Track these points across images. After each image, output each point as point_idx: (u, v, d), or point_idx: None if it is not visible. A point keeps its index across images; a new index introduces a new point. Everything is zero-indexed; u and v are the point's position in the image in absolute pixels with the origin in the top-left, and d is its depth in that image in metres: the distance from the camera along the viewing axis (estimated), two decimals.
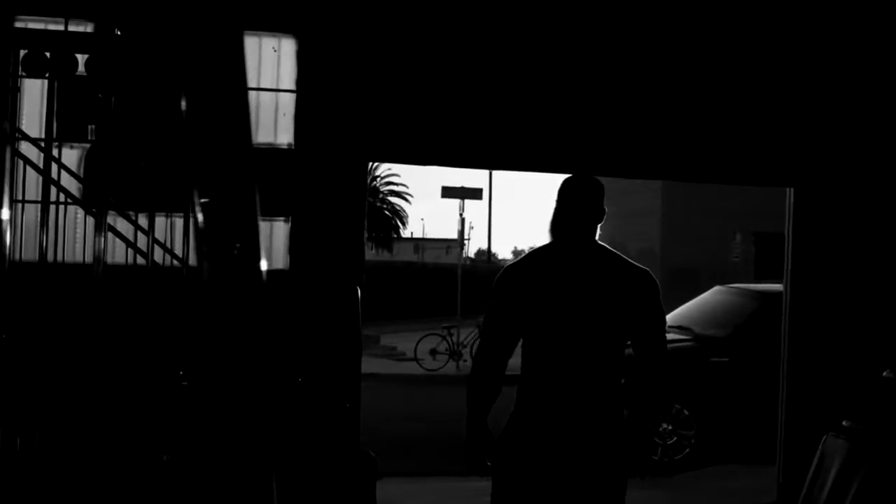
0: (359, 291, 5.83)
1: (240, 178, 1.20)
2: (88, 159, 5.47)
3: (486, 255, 49.11)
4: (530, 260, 3.68)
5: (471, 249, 56.32)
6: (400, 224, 42.18)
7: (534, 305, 3.52)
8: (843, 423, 4.61)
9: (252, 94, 6.21)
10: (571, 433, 3.45)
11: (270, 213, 6.12)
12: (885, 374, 4.48)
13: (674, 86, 6.58)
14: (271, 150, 6.19)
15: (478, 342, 18.54)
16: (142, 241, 5.36)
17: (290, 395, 4.09)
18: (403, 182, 33.71)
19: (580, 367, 3.47)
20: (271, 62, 6.27)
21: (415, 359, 17.22)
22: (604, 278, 3.52)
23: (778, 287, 10.07)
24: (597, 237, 3.64)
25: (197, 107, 1.14)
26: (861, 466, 4.20)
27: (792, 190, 6.87)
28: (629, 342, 3.60)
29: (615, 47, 6.47)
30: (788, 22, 6.67)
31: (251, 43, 6.24)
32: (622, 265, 3.57)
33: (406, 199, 41.79)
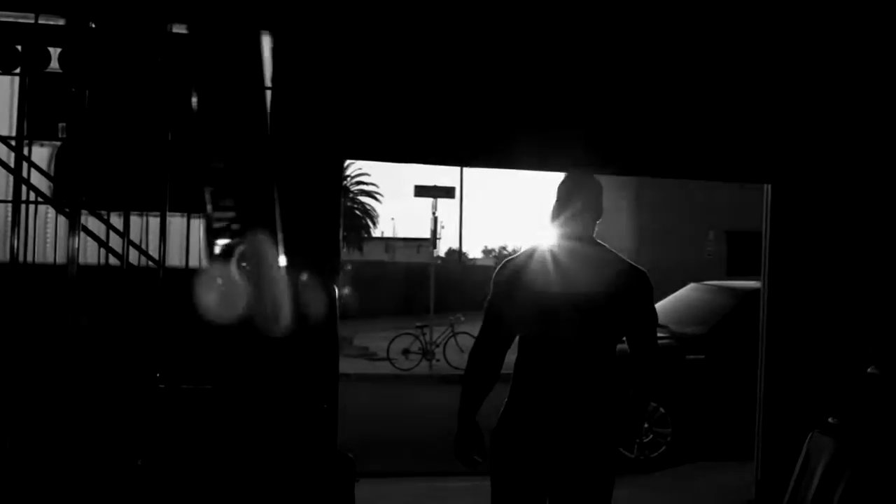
0: (336, 291, 5.75)
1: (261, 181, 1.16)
2: (59, 157, 5.35)
3: (456, 255, 49.05)
4: (529, 255, 3.70)
5: (441, 249, 56.27)
6: (370, 223, 42.10)
7: (530, 300, 3.57)
8: (829, 420, 4.60)
9: None
10: (563, 427, 3.50)
11: None
12: (869, 370, 4.48)
13: (651, 82, 6.56)
14: None
15: (450, 341, 18.47)
16: (113, 241, 5.25)
17: (272, 397, 4.02)
18: (374, 181, 33.66)
19: (574, 363, 3.53)
20: None
21: (387, 359, 17.14)
22: (600, 276, 3.56)
23: (752, 284, 10.12)
24: (595, 234, 3.70)
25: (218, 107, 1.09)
26: (848, 464, 4.19)
27: (769, 186, 6.88)
28: (623, 338, 3.68)
29: (590, 43, 6.43)
30: (766, 19, 6.67)
31: None
32: (619, 263, 3.64)
33: (376, 199, 41.71)
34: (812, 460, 4.51)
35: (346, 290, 27.07)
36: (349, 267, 30.75)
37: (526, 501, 3.58)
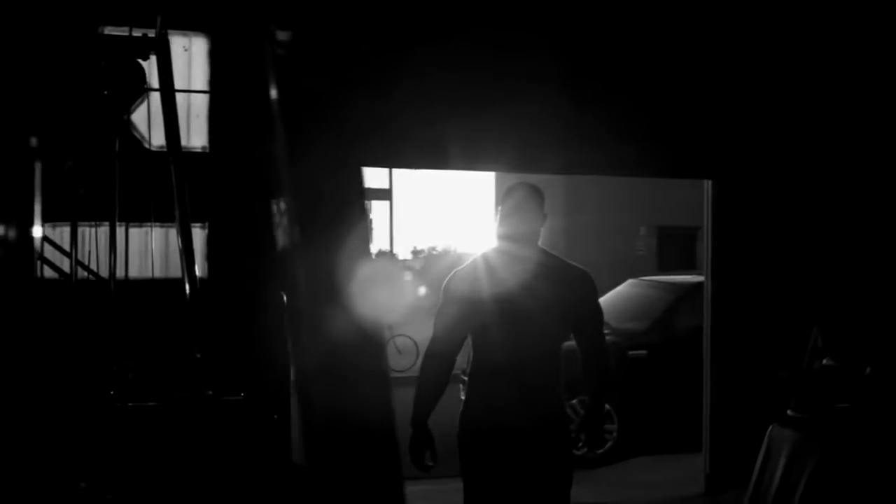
0: (284, 297, 5.62)
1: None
2: None
3: (387, 256, 48.71)
4: (478, 263, 3.85)
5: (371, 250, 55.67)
6: None
7: (481, 306, 3.71)
8: (788, 412, 4.66)
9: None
10: (518, 425, 3.66)
11: None
12: (825, 362, 4.54)
13: (590, 79, 6.55)
14: (185, 154, 5.93)
15: (388, 344, 18.32)
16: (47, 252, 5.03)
17: (232, 412, 3.91)
18: None
19: (525, 363, 3.69)
20: (182, 62, 6.01)
21: None
22: (546, 280, 3.74)
23: (690, 279, 10.23)
24: (539, 241, 3.87)
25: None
26: (810, 455, 4.25)
27: (710, 182, 6.95)
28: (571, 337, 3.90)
29: (528, 37, 6.38)
30: (706, 17, 6.74)
31: None
32: (562, 266, 3.85)
33: None
34: (773, 453, 4.55)
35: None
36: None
37: (497, 496, 3.74)
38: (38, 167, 2.41)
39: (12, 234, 2.32)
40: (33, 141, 2.46)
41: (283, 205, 1.23)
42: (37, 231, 2.37)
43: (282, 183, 1.23)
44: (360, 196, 1.23)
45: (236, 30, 5.94)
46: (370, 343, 1.24)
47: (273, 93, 1.29)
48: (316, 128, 4.26)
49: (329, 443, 1.18)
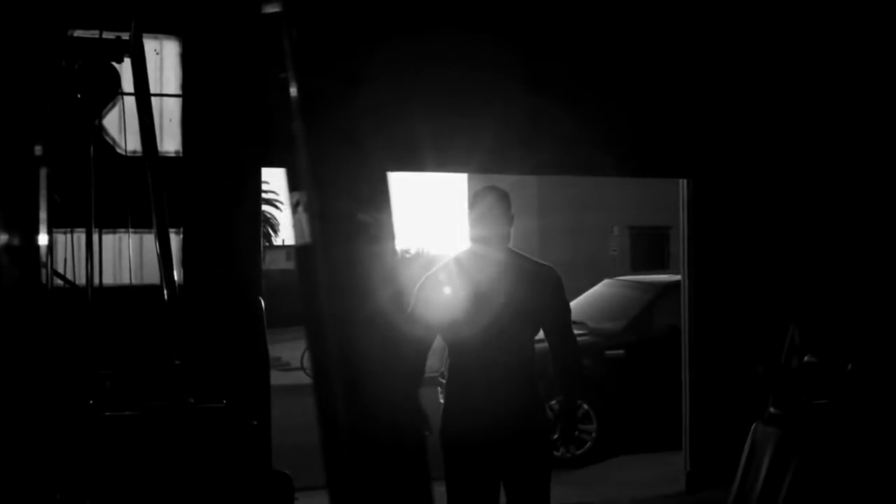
0: (262, 303, 5.57)
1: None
2: None
3: None
4: (450, 266, 3.98)
5: None
6: (272, 232, 41.35)
7: (454, 306, 3.82)
8: (771, 410, 4.66)
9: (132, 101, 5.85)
10: (496, 423, 3.73)
11: None
12: (806, 359, 4.55)
13: (565, 80, 6.55)
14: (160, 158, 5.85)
15: None
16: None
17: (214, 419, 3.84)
18: (273, 189, 33.01)
19: (500, 362, 3.77)
20: (153, 65, 5.92)
21: (302, 368, 16.84)
22: (517, 280, 3.86)
23: (664, 278, 10.27)
24: (510, 240, 3.98)
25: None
26: (794, 452, 4.25)
27: (685, 181, 6.97)
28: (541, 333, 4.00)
29: (502, 36, 6.36)
30: (683, 17, 6.76)
31: None
32: (531, 267, 3.97)
33: (276, 207, 40.98)
34: (758, 451, 4.55)
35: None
36: None
37: (479, 490, 3.82)
38: (43, 175, 2.36)
39: (16, 241, 2.27)
40: (38, 149, 2.41)
41: (300, 197, 1.20)
42: (42, 239, 2.31)
43: (300, 175, 1.21)
44: (385, 191, 1.21)
45: (209, 32, 5.88)
46: (397, 342, 1.22)
47: (293, 90, 1.25)
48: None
49: (354, 447, 1.14)
